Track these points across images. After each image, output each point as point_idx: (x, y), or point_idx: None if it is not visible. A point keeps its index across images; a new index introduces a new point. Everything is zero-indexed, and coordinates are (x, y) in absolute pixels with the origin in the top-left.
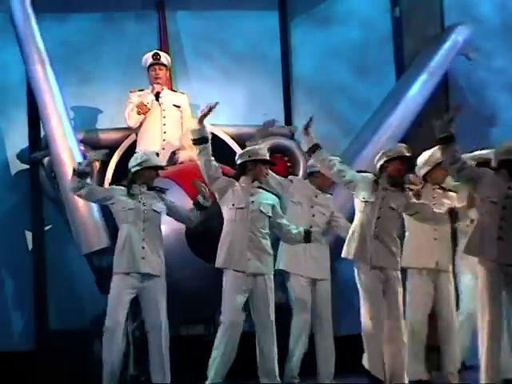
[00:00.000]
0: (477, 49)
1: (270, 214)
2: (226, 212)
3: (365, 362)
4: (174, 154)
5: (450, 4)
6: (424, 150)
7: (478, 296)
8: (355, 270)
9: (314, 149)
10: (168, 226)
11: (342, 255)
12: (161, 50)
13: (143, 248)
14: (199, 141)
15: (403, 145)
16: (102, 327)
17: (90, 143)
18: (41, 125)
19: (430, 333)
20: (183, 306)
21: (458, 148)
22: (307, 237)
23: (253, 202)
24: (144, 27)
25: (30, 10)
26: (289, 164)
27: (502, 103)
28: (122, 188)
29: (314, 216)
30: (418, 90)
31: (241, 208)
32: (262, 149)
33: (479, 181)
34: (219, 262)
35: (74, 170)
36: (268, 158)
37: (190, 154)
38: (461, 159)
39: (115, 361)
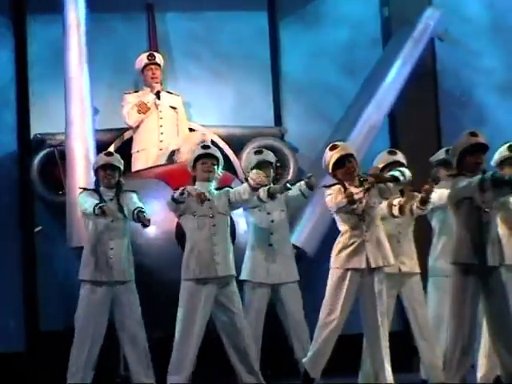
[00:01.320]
0: (446, 30)
1: (229, 213)
2: (188, 221)
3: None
4: (173, 153)
5: (439, 4)
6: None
7: None
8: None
9: None
10: (158, 229)
11: None
12: (150, 51)
13: (111, 258)
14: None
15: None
16: None
17: None
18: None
19: None
20: (172, 307)
21: None
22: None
23: (210, 207)
24: (133, 28)
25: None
26: (278, 164)
27: (490, 103)
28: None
29: (273, 222)
30: (394, 77)
31: (202, 215)
32: (198, 147)
33: None
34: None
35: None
36: (202, 152)
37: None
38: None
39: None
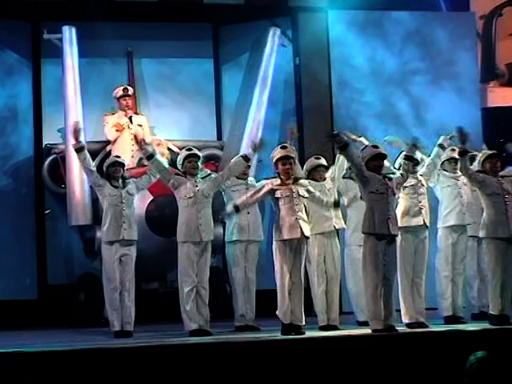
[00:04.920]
0: (285, 35)
1: (211, 195)
2: (180, 201)
3: (278, 311)
4: (141, 159)
5: (335, 57)
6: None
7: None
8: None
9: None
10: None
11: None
12: (129, 85)
13: (124, 222)
14: (148, 158)
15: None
16: (87, 283)
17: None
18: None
19: None
20: (143, 268)
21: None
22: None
23: (198, 191)
24: (117, 69)
25: (75, 51)
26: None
27: (370, 127)
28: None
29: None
30: (261, 81)
31: (190, 197)
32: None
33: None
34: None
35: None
36: (190, 153)
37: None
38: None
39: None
